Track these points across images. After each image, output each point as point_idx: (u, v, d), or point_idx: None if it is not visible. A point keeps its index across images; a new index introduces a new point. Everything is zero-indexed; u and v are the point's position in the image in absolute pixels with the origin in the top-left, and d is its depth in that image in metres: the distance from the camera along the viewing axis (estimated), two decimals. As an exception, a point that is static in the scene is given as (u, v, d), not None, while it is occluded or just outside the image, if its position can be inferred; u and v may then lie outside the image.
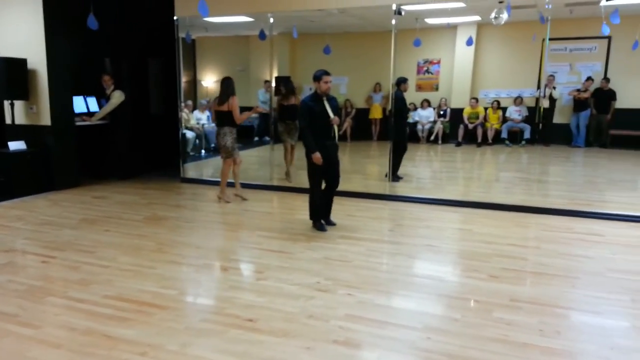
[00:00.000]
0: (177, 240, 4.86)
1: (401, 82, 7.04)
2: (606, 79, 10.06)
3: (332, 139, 5.03)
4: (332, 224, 5.28)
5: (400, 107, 7.05)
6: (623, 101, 10.02)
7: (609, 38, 10.00)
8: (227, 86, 6.22)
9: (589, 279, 3.92)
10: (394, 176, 7.20)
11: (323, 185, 5.15)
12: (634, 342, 2.94)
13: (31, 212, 5.88)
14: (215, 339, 2.93)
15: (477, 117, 10.78)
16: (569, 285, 3.78)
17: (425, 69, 11.69)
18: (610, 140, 10.09)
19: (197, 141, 9.62)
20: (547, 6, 5.98)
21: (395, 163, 7.23)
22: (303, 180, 6.11)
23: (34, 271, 4.06)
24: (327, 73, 4.92)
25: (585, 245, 4.73)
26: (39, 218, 5.63)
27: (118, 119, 7.73)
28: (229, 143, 6.25)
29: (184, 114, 8.48)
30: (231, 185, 6.59)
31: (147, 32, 8.42)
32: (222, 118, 6.23)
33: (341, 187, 5.42)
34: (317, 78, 4.94)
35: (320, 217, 5.22)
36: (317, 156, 4.85)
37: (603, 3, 5.91)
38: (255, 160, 10.15)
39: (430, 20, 9.48)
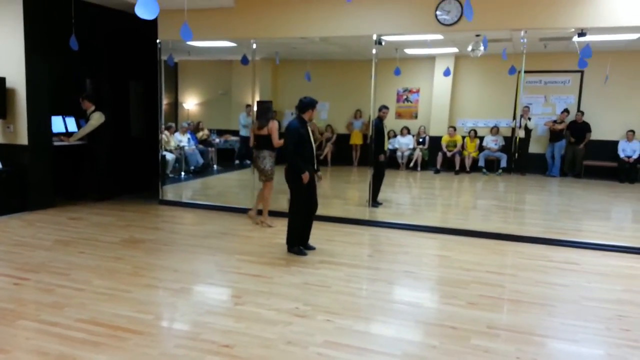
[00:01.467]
0: (154, 264, 4.78)
1: (380, 109, 7.16)
2: (581, 112, 10.39)
3: (313, 164, 5.10)
4: (311, 248, 5.27)
5: (378, 133, 7.16)
6: (596, 133, 10.34)
7: (581, 72, 10.36)
8: (266, 110, 6.23)
9: (565, 307, 3.97)
10: (374, 202, 7.25)
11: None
12: (608, 370, 2.98)
13: (4, 232, 5.73)
14: (192, 365, 2.88)
15: (455, 146, 10.98)
16: (545, 313, 3.82)
17: (404, 97, 11.90)
18: (584, 170, 10.36)
19: (177, 164, 9.56)
20: (522, 40, 6.19)
21: (375, 189, 7.29)
22: (282, 204, 6.14)
23: (5, 293, 3.94)
24: (315, 101, 5.08)
25: (561, 273, 4.81)
26: (12, 239, 5.49)
27: (97, 140, 7.64)
28: (268, 167, 6.20)
29: (164, 136, 8.45)
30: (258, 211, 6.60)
31: (129, 54, 8.42)
32: (262, 142, 6.22)
33: (321, 211, 5.44)
34: (312, 106, 5.02)
35: (300, 242, 5.21)
36: (307, 175, 4.90)
37: (575, 39, 6.14)
38: (236, 184, 10.12)
39: (409, 51, 9.70)
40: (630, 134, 10.00)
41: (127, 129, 8.81)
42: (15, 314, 3.54)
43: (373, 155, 7.11)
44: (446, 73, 10.50)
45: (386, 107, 7.25)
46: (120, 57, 8.40)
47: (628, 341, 3.36)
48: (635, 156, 9.95)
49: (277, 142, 6.10)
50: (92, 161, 7.71)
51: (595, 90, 10.32)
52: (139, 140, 8.81)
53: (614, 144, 10.16)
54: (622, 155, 10.05)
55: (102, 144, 7.71)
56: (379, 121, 7.15)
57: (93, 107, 7.61)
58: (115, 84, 8.53)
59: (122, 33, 8.08)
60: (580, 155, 10.39)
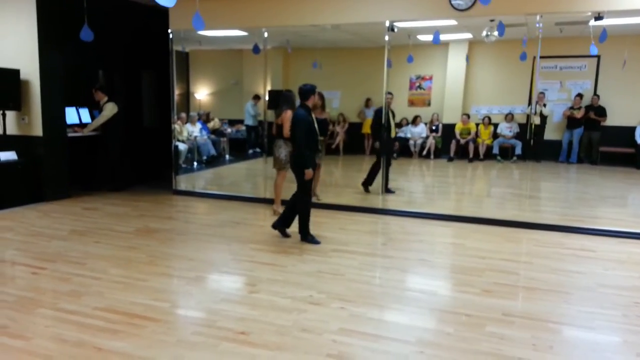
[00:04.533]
0: (169, 253, 4.82)
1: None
2: (597, 96, 10.21)
3: (317, 151, 5.21)
4: (288, 235, 5.32)
5: (380, 122, 7.13)
6: (613, 118, 10.16)
7: (598, 57, 10.17)
8: (283, 100, 6.18)
9: (581, 294, 3.94)
10: (367, 188, 7.36)
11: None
12: (625, 357, 2.95)
13: (21, 223, 5.81)
14: (207, 352, 2.90)
15: (469, 133, 10.87)
16: (561, 301, 3.79)
17: (417, 84, 11.80)
18: (600, 156, 10.21)
19: (189, 154, 9.60)
20: (537, 25, 6.08)
21: (372, 177, 7.36)
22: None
23: (24, 282, 4.00)
24: (315, 87, 5.08)
25: (577, 260, 4.76)
26: (29, 229, 5.57)
27: (110, 131, 7.70)
28: (282, 156, 6.19)
29: (177, 126, 8.48)
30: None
31: (141, 45, 8.44)
32: (278, 131, 6.24)
33: (334, 200, 5.43)
34: (312, 92, 5.02)
35: (285, 226, 5.30)
36: (310, 172, 4.96)
37: (592, 23, 6.01)
38: (248, 173, 10.16)
39: (422, 37, 9.60)
40: (648, 120, 9.83)
41: (140, 120, 8.87)
42: (34, 302, 3.60)
43: (374, 141, 7.22)
44: (467, 60, 10.43)
45: (390, 93, 7.18)
46: (132, 47, 8.43)
47: (646, 328, 3.33)
48: (652, 142, 9.79)
49: (287, 131, 6.05)
50: (106, 152, 7.78)
51: (612, 75, 10.12)
52: (152, 131, 8.86)
53: (631, 129, 9.98)
54: (639, 141, 9.88)
55: (115, 135, 7.76)
56: (380, 109, 7.09)
57: (106, 98, 7.66)
58: (127, 75, 8.58)
59: (134, 24, 8.09)
60: (597, 142, 10.23)
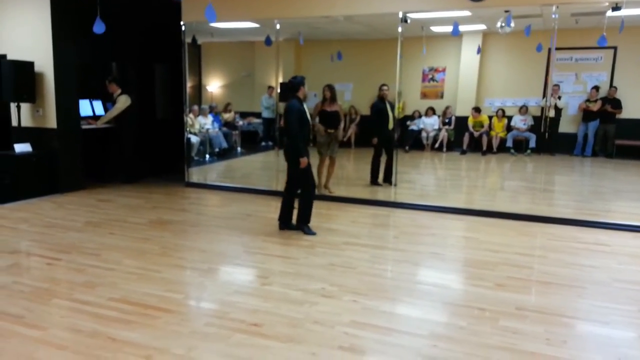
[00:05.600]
0: (182, 244, 4.86)
1: (379, 89, 7.16)
2: (614, 87, 10.05)
3: (308, 143, 5.23)
4: (293, 227, 5.34)
5: (379, 114, 7.14)
6: (629, 111, 10.00)
7: (614, 48, 10.00)
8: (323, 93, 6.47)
9: (596, 288, 3.90)
10: (375, 181, 7.43)
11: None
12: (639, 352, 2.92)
13: (36, 215, 5.88)
14: (221, 343, 2.93)
15: (482, 126, 10.78)
16: (575, 295, 3.76)
17: (430, 76, 11.71)
18: (616, 150, 10.06)
19: (201, 146, 9.64)
20: (553, 15, 5.98)
21: (375, 169, 7.43)
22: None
23: (40, 273, 4.06)
24: (304, 78, 5.15)
25: (592, 255, 4.71)
26: (44, 220, 5.64)
27: (124, 123, 7.75)
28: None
29: (189, 119, 8.51)
30: None
31: (153, 37, 8.46)
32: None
33: (345, 193, 5.42)
34: (302, 83, 5.08)
35: (286, 219, 5.34)
36: (305, 160, 5.01)
37: (609, 13, 5.91)
38: (260, 165, 10.18)
39: (435, 29, 9.50)
40: (666, 112, 9.66)
41: (153, 112, 8.91)
42: (50, 292, 3.64)
43: (372, 136, 7.26)
44: (478, 51, 10.30)
45: (385, 85, 7.14)
46: (145, 40, 8.45)
47: (662, 324, 3.29)
48: (670, 135, 9.62)
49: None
50: (120, 144, 7.84)
51: (629, 66, 9.96)
52: (165, 123, 8.91)
53: (648, 122, 9.83)
54: (656, 134, 9.73)
55: (128, 127, 7.81)
56: (380, 101, 7.05)
57: (119, 91, 7.70)
58: (140, 68, 8.60)
59: (147, 16, 8.11)
60: (612, 135, 10.09)
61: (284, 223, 5.35)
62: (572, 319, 3.35)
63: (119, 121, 7.74)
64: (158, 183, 7.98)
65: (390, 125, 7.24)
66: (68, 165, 7.07)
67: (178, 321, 3.20)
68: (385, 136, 7.26)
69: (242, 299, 3.57)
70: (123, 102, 7.65)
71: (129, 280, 3.89)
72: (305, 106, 5.13)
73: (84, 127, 7.45)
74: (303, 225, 5.24)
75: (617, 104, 10.01)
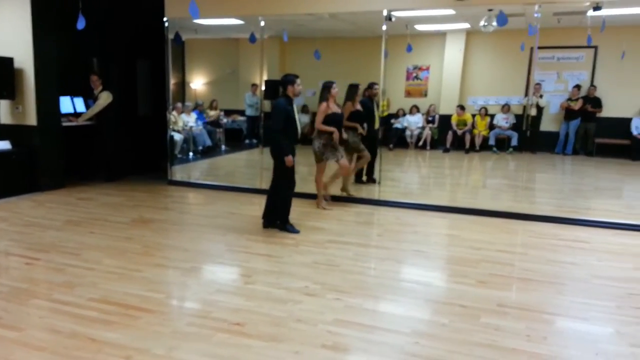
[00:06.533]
0: (164, 243, 4.81)
1: (369, 87, 7.08)
2: (594, 86, 10.21)
3: (296, 142, 5.18)
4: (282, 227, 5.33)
5: (367, 113, 7.05)
6: (609, 110, 10.16)
7: (595, 47, 10.15)
8: (321, 92, 6.06)
9: (575, 285, 3.95)
10: (367, 178, 7.33)
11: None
12: (617, 348, 2.97)
13: (15, 213, 5.78)
14: (202, 343, 2.90)
15: (466, 124, 10.86)
16: (555, 292, 3.80)
17: (414, 75, 11.75)
18: (596, 148, 10.22)
19: (185, 144, 9.56)
20: (535, 15, 6.04)
21: (369, 167, 7.33)
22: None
23: (18, 273, 3.99)
24: (297, 77, 5.09)
25: (572, 252, 4.78)
26: (23, 219, 5.54)
27: (105, 121, 7.65)
28: (316, 148, 6.06)
29: (172, 116, 8.43)
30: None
31: (136, 33, 8.36)
32: (314, 123, 6.21)
33: (331, 191, 5.41)
34: (291, 82, 5.04)
35: (271, 218, 5.31)
36: (290, 159, 4.96)
37: (590, 13, 5.98)
38: (244, 164, 10.13)
39: (420, 27, 9.54)
40: (645, 111, 9.83)
41: (135, 109, 8.81)
42: (28, 293, 3.58)
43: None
44: (460, 49, 10.42)
45: (376, 84, 7.11)
46: (128, 36, 8.34)
47: (638, 318, 3.34)
48: (648, 133, 9.80)
49: (317, 124, 5.97)
50: (101, 141, 7.73)
51: (609, 66, 10.11)
52: (147, 121, 8.81)
53: (627, 121, 9.98)
54: (635, 132, 9.89)
55: (110, 124, 7.71)
56: (368, 100, 7.04)
57: (101, 87, 7.60)
58: (122, 64, 8.49)
59: (130, 12, 8.00)
60: (592, 133, 10.24)
61: (268, 221, 5.33)
62: (552, 315, 3.39)
63: (101, 118, 7.63)
64: (140, 181, 7.89)
65: (376, 125, 7.24)
66: (48, 163, 6.96)
67: (159, 321, 3.16)
68: (370, 135, 7.25)
69: (224, 298, 3.55)
70: (105, 98, 7.55)
71: (110, 280, 3.84)
72: (294, 105, 5.10)
73: (64, 124, 7.33)
74: (285, 225, 5.22)
75: (597, 103, 10.16)
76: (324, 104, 5.92)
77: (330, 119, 5.95)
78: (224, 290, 3.70)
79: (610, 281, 4.03)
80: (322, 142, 5.97)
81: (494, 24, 6.33)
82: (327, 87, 5.96)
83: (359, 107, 6.65)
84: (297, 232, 5.17)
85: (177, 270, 4.11)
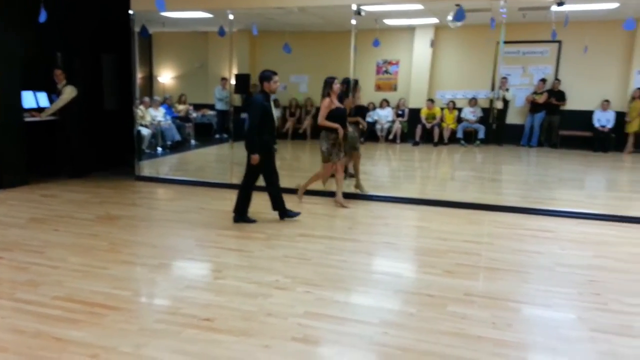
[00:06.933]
0: (132, 240, 4.73)
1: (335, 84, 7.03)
2: (558, 80, 10.47)
3: (274, 137, 5.24)
4: (296, 214, 5.43)
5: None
6: (572, 102, 10.45)
7: (559, 42, 10.40)
8: (323, 87, 5.88)
9: (540, 273, 4.06)
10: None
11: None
12: (579, 333, 3.07)
13: (-25, 212, 5.59)
14: (171, 339, 2.87)
15: (434, 118, 11.00)
16: (520, 280, 3.90)
17: (384, 69, 11.83)
18: (560, 140, 10.51)
19: (153, 139, 9.41)
20: (501, 10, 6.15)
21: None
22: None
23: (-22, 273, 3.86)
24: (275, 73, 5.08)
25: (536, 241, 4.91)
26: (-17, 218, 5.37)
27: (69, 115, 7.45)
28: (323, 148, 5.94)
29: (139, 110, 8.28)
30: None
31: (101, 26, 8.16)
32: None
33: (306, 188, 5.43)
34: (267, 78, 5.04)
35: (283, 210, 5.39)
36: (256, 157, 4.99)
37: (554, 8, 6.13)
38: (214, 158, 10.03)
39: (389, 22, 9.60)
40: (606, 104, 10.14)
41: (101, 103, 8.61)
42: (-11, 292, 3.48)
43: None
44: (430, 44, 10.50)
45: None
46: (92, 29, 8.13)
47: (598, 304, 3.46)
48: (609, 125, 10.12)
49: (320, 120, 5.89)
50: (65, 137, 7.53)
51: (573, 60, 10.39)
52: (113, 115, 8.62)
53: (590, 113, 10.29)
54: (597, 124, 10.21)
55: (74, 119, 7.51)
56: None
57: (65, 81, 7.39)
58: (87, 58, 8.28)
59: (93, 4, 7.80)
60: (556, 125, 10.52)
61: (239, 215, 5.31)
62: (517, 303, 3.48)
63: (65, 113, 7.43)
64: (106, 177, 7.73)
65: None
66: (10, 159, 6.74)
67: (126, 319, 3.11)
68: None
69: (194, 294, 3.51)
70: (69, 93, 7.35)
71: (75, 278, 3.75)
72: (271, 101, 5.12)
73: (27, 119, 7.10)
74: (243, 218, 5.29)
75: (561, 96, 10.44)
76: (327, 100, 5.79)
77: (334, 114, 5.82)
78: (193, 286, 3.66)
79: (573, 269, 4.15)
80: (331, 142, 5.86)
81: (460, 20, 6.41)
82: (328, 83, 5.82)
83: (359, 102, 6.59)
84: (254, 221, 5.28)
85: (145, 267, 4.05)
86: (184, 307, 3.30)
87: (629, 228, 5.35)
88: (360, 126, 6.61)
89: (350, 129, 6.22)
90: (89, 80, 8.17)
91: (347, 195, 6.35)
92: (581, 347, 2.91)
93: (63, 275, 3.80)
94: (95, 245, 4.53)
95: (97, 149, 8.15)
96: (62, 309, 3.22)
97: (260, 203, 5.79)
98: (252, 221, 5.30)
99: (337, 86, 5.84)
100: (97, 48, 8.41)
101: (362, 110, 6.63)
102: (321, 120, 5.86)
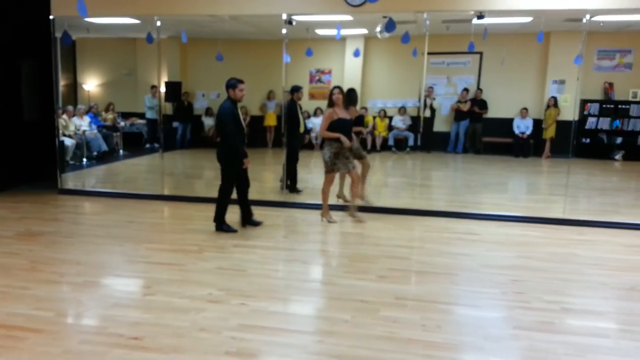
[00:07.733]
0: (54, 257, 4.48)
1: (294, 90, 7.02)
2: (480, 90, 11.04)
3: (245, 143, 5.35)
4: (258, 223, 5.53)
5: (291, 117, 7.02)
6: (494, 111, 11.04)
7: (480, 53, 10.97)
8: (328, 97, 5.71)
9: (466, 275, 4.25)
10: (294, 188, 7.16)
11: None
12: (503, 331, 3.24)
13: None
14: (97, 360, 2.75)
15: (367, 126, 11.25)
16: (448, 282, 4.06)
17: (317, 78, 11.97)
18: (483, 146, 11.07)
19: (78, 149, 8.97)
20: (425, 22, 6.41)
21: (293, 174, 7.17)
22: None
23: None
24: (241, 81, 5.20)
25: (463, 244, 5.13)
26: None
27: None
28: (326, 157, 5.68)
29: (62, 120, 7.87)
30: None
31: (19, 32, 7.69)
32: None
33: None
34: (233, 86, 5.14)
35: (244, 220, 5.48)
36: (247, 161, 5.21)
37: (474, 21, 6.46)
38: (145, 169, 9.70)
39: (320, 32, 9.73)
40: (524, 112, 10.79)
41: (20, 113, 8.09)
42: None
43: (288, 140, 6.97)
44: (356, 54, 10.72)
45: (300, 88, 7.07)
46: (9, 34, 7.64)
47: (520, 302, 3.67)
48: (528, 132, 10.77)
49: (319, 131, 5.81)
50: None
51: (493, 70, 10.98)
52: (34, 125, 8.12)
53: (510, 121, 10.91)
54: (516, 131, 10.84)
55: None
56: (292, 103, 7.00)
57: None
58: (3, 65, 7.77)
59: (10, 8, 7.33)
60: (479, 132, 11.07)
61: (219, 224, 5.32)
62: (446, 305, 3.62)
63: (-22, 124, 6.93)
64: (26, 191, 7.27)
65: (302, 129, 7.19)
66: None
67: (48, 341, 2.94)
68: (298, 140, 7.19)
69: (121, 312, 3.38)
70: (-19, 102, 6.87)
71: (-10, 300, 3.50)
72: (238, 109, 5.19)
73: None
74: (221, 227, 5.29)
75: (483, 105, 11.01)
76: (330, 110, 5.61)
77: (337, 125, 5.59)
78: (120, 304, 3.52)
79: (497, 269, 4.38)
80: (333, 151, 5.62)
81: (386, 34, 6.61)
82: (330, 93, 5.72)
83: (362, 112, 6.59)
84: (235, 231, 5.28)
85: (69, 286, 3.84)
86: (110, 326, 3.16)
87: (549, 229, 5.70)
88: (360, 135, 6.65)
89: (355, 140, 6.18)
90: (6, 89, 7.66)
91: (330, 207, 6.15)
92: (505, 345, 3.06)
93: (-24, 298, 3.53)
94: (14, 264, 4.25)
95: (16, 161, 7.64)
96: (-26, 335, 3.00)
97: (193, 215, 5.69)
98: (233, 230, 5.28)
99: (336, 96, 5.66)
100: (15, 54, 7.92)
101: (359, 120, 6.66)
102: (321, 131, 5.76)
